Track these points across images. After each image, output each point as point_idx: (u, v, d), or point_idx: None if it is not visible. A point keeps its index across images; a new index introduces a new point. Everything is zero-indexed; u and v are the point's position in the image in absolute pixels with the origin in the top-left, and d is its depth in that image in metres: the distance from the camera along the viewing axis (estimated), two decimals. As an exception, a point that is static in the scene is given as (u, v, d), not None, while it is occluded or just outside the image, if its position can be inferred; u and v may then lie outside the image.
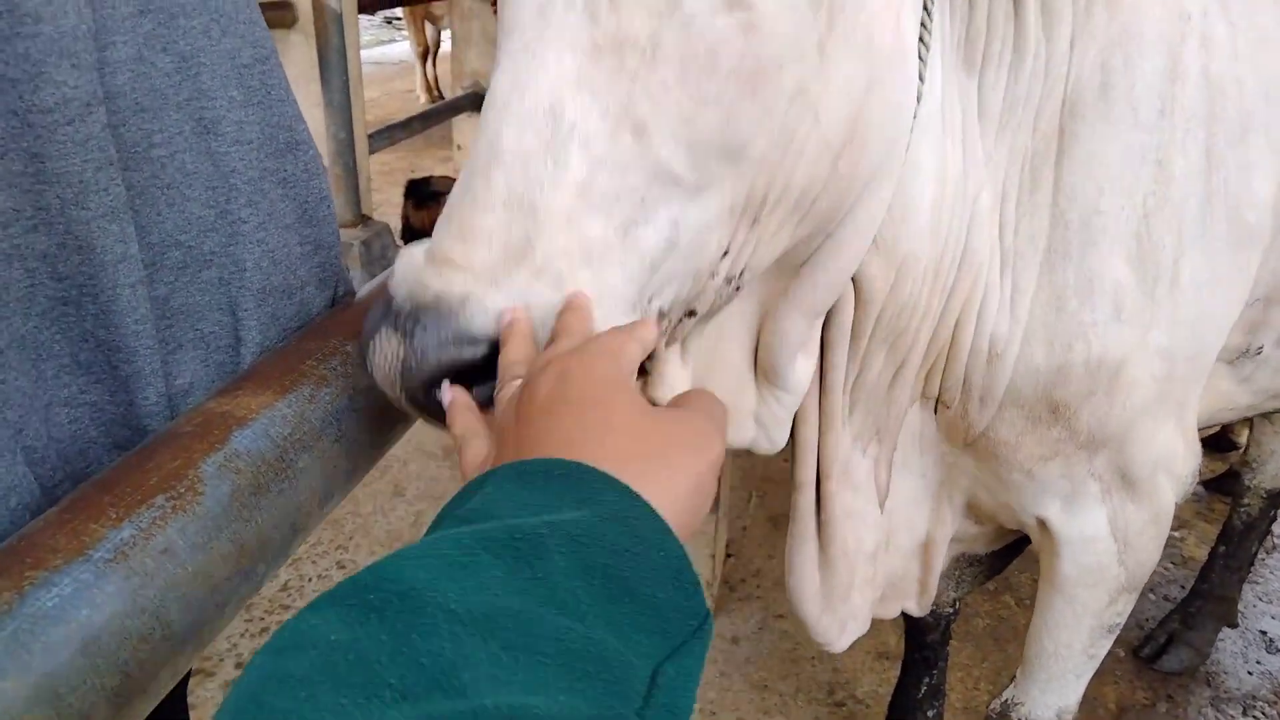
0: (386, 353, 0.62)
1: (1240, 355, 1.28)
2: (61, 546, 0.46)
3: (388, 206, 5.20)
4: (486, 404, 0.61)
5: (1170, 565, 2.78)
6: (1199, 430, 1.32)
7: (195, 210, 0.70)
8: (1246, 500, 2.34)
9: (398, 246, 4.81)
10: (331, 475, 0.64)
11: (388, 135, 4.57)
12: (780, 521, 2.82)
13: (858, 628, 1.28)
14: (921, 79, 0.86)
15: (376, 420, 0.70)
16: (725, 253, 0.76)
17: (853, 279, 0.94)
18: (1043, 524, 1.24)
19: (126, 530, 0.48)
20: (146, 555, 0.48)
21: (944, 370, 1.10)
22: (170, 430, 0.57)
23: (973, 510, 1.32)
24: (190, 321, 0.70)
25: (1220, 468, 3.16)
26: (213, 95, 0.67)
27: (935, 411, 1.16)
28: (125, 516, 0.49)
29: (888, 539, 1.27)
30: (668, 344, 0.82)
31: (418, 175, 5.10)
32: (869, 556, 1.24)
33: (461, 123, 4.72)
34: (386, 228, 4.67)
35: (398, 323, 0.62)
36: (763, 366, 0.96)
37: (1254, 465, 2.32)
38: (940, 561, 1.35)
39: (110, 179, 0.60)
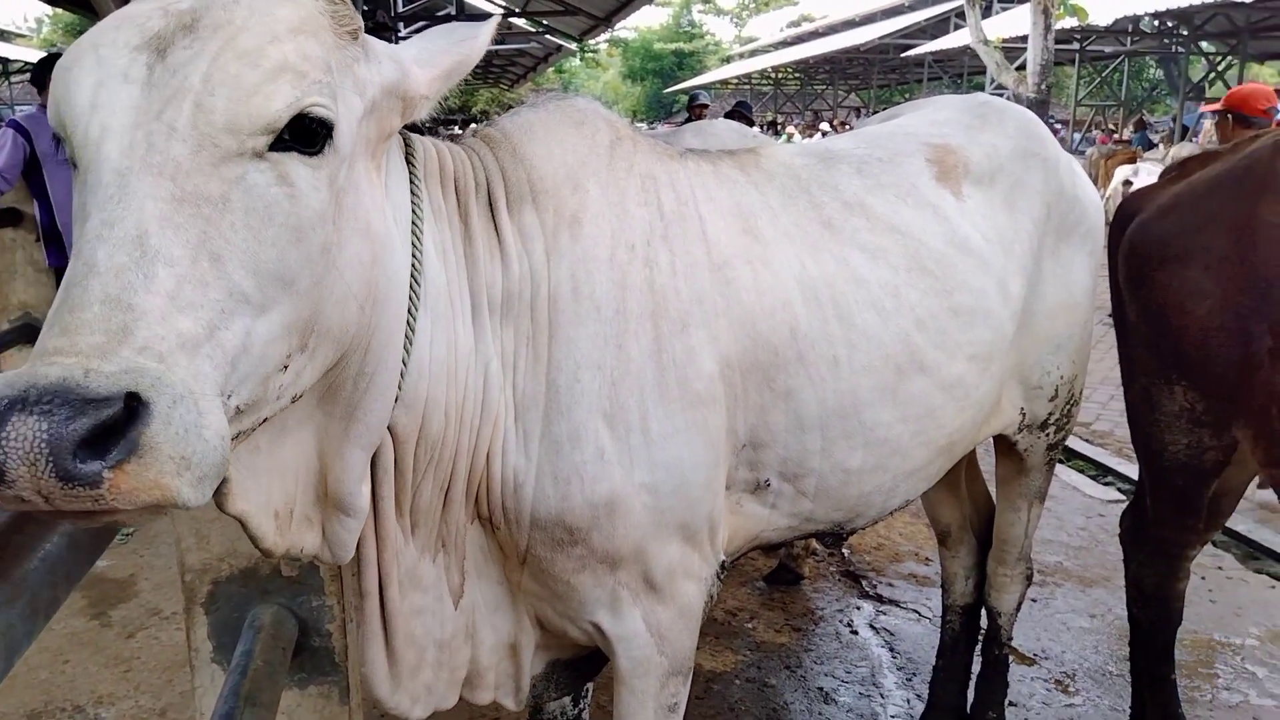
0: (25, 435, 0.71)
1: (757, 487, 1.70)
2: None
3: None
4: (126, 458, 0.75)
5: (748, 651, 3.31)
6: (756, 543, 1.77)
7: None
8: (949, 618, 2.82)
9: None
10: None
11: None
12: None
13: (435, 701, 1.54)
14: (417, 269, 1.23)
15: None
16: (287, 367, 1.00)
17: (389, 428, 1.23)
18: (598, 629, 1.56)
19: None
20: None
21: (487, 497, 1.43)
22: None
23: (543, 624, 1.61)
24: None
25: (774, 564, 3.85)
26: None
27: (488, 537, 1.49)
28: None
29: (470, 632, 1.54)
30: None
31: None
32: (439, 643, 1.50)
33: (14, 358, 4.36)
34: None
35: (28, 407, 0.72)
36: (333, 498, 1.20)
37: (946, 588, 2.82)
38: (528, 664, 1.63)
39: None
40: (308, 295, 1.00)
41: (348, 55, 1.08)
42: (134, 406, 0.76)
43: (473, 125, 1.57)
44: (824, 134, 20.84)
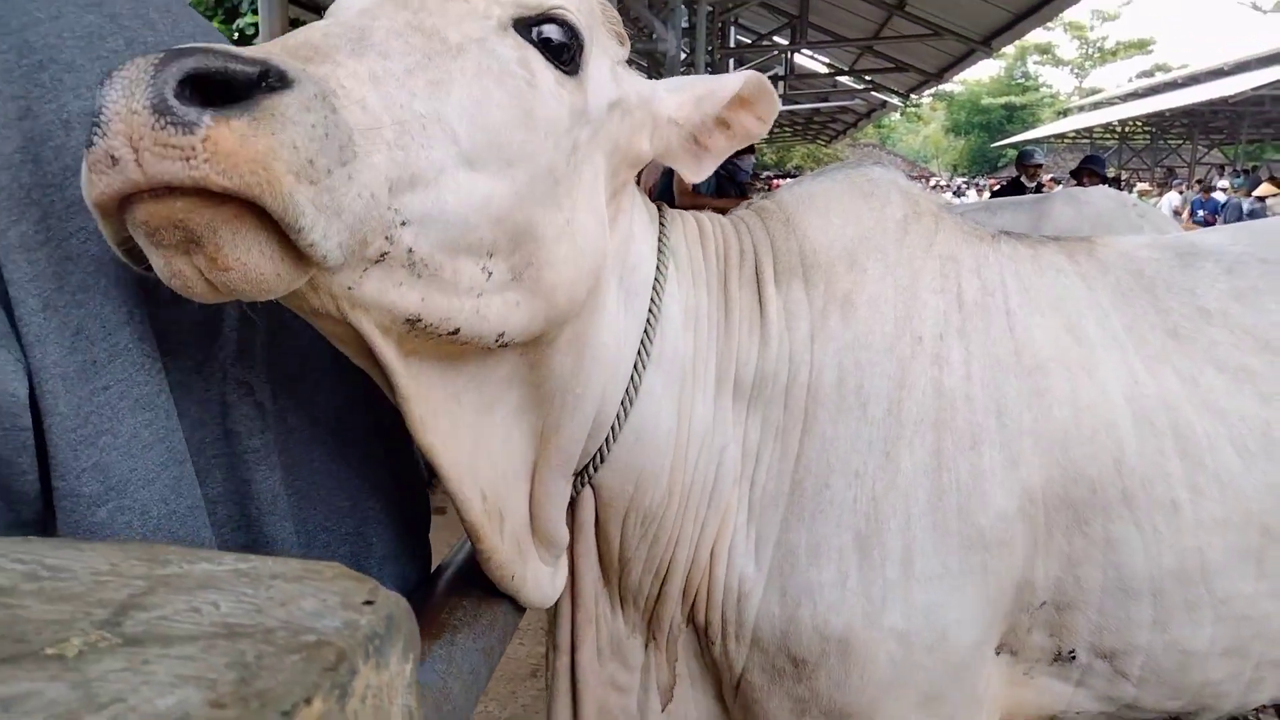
0: (139, 63, 0.62)
1: (1057, 658, 1.35)
2: None
3: None
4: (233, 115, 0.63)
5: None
6: None
7: (337, 503, 0.99)
8: None
9: None
10: (468, 694, 0.89)
11: None
12: None
13: None
14: (651, 325, 1.15)
15: (486, 655, 0.96)
16: (489, 272, 0.87)
17: (592, 485, 1.17)
18: None
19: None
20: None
21: (706, 604, 1.27)
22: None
23: None
24: None
25: None
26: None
27: (703, 649, 1.31)
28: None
29: None
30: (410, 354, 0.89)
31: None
32: None
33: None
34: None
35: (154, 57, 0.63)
36: (539, 528, 1.14)
37: None
38: None
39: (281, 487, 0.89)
40: (522, 199, 0.88)
41: (612, 46, 1.09)
42: (274, 85, 0.65)
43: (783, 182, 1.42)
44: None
